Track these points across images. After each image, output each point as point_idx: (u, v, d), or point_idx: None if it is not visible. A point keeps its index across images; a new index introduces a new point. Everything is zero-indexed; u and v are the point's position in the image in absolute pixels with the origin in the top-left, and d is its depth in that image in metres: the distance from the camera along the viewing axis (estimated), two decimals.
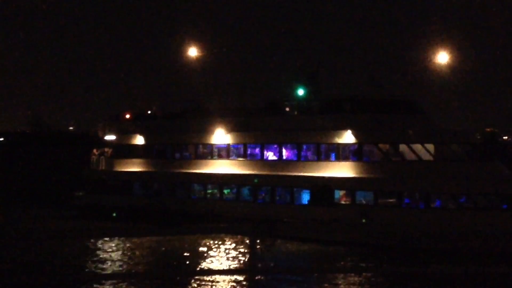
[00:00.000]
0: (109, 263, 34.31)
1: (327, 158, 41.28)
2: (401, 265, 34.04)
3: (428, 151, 38.17)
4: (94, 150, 53.46)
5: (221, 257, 35.94)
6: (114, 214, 47.93)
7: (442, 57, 37.56)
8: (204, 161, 46.64)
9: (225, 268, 33.94)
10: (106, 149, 53.11)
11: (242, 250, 36.93)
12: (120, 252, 37.14)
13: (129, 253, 36.89)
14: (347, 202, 39.69)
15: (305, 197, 41.48)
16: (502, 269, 32.76)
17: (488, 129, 47.13)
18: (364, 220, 37.50)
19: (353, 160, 40.03)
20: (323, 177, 40.36)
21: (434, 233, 35.90)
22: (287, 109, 44.63)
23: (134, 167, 50.41)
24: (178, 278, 30.12)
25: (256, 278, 28.33)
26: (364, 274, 31.34)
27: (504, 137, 54.01)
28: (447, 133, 39.68)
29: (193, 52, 53.44)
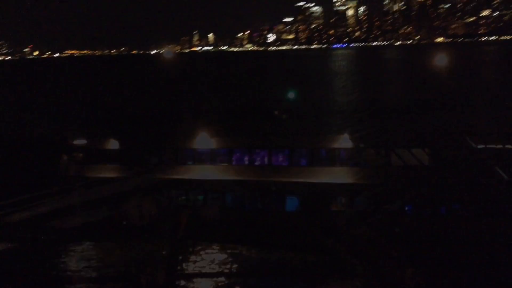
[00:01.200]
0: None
1: (321, 163, 39.50)
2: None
3: (426, 154, 36.96)
4: (63, 155, 50.13)
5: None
6: None
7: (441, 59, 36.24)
8: (185, 167, 44.13)
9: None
10: (75, 154, 49.85)
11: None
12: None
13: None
14: (343, 209, 38.02)
15: (296, 204, 39.55)
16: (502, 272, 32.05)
17: None
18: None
19: (351, 166, 38.37)
20: (317, 183, 38.59)
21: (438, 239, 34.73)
22: (276, 112, 42.73)
23: (107, 173, 47.40)
24: None
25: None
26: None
27: None
28: (444, 138, 38.53)
29: (168, 53, 50.85)
